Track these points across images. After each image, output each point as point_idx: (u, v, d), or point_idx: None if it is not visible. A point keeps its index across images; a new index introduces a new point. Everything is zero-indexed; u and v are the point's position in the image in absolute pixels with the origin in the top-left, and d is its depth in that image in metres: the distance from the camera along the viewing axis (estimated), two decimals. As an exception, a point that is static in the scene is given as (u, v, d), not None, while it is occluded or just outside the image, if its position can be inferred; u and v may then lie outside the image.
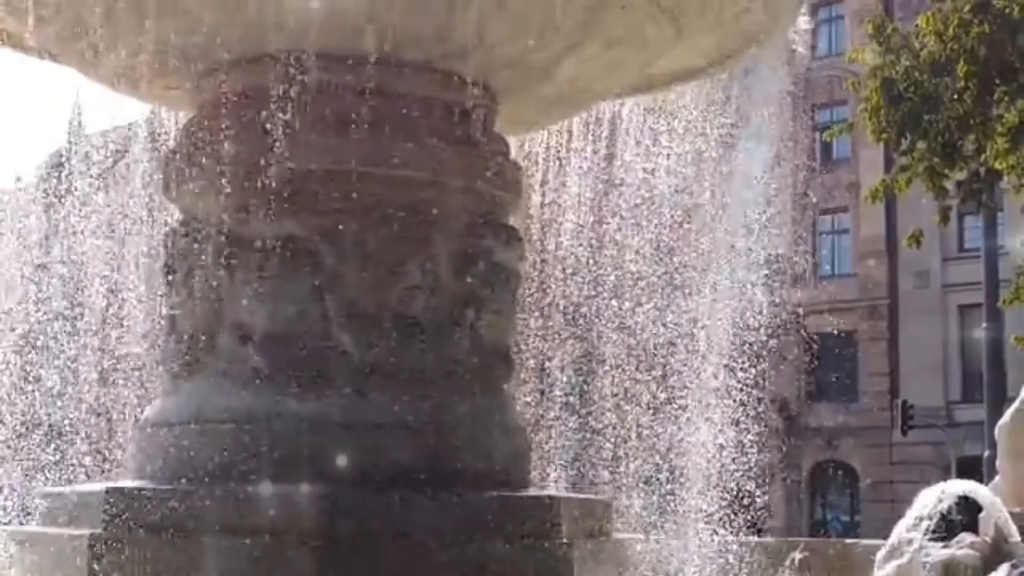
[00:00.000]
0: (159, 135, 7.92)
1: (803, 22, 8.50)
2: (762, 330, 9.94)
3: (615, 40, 6.34)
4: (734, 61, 7.40)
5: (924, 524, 5.93)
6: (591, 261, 10.49)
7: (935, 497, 6.02)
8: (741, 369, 9.78)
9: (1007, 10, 13.57)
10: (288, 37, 6.02)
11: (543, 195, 8.75)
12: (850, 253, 39.04)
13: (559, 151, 8.28)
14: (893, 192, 16.25)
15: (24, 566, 6.15)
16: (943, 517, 6.01)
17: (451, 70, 6.28)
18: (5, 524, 7.12)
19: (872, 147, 21.86)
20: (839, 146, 34.37)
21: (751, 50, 7.25)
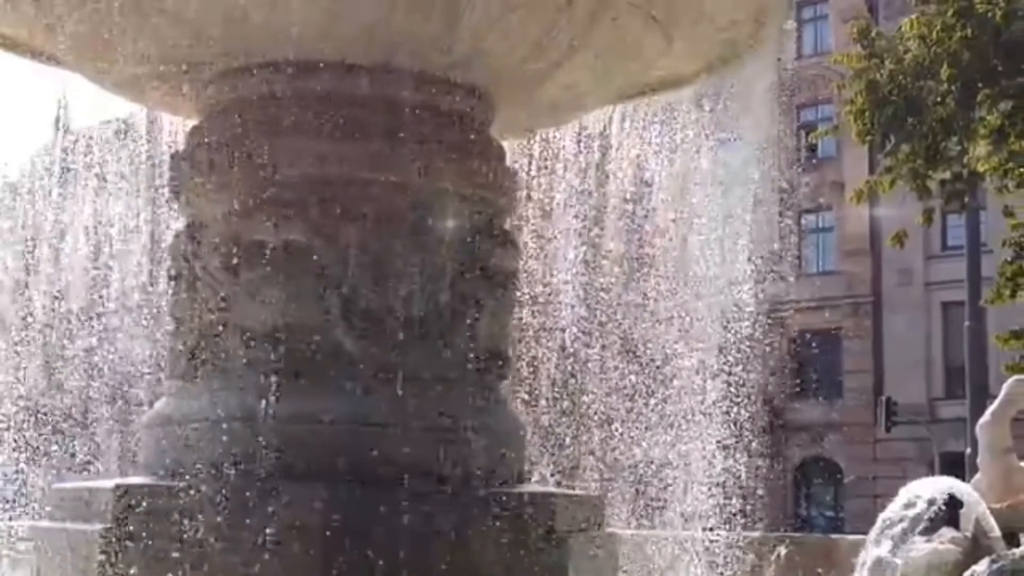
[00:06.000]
0: (159, 137, 8.05)
1: (789, 26, 8.67)
2: (747, 328, 10.09)
3: (609, 49, 6.51)
4: (723, 68, 7.57)
5: (908, 519, 6.06)
6: (583, 259, 10.64)
7: (926, 497, 6.15)
8: (727, 366, 9.94)
9: (989, 14, 13.75)
10: (291, 45, 6.16)
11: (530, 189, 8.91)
12: (834, 251, 39.25)
13: (554, 152, 8.44)
14: (877, 192, 16.44)
15: (36, 561, 6.29)
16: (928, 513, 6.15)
17: (450, 78, 6.45)
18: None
19: (857, 146, 22.04)
20: (824, 144, 34.56)
21: (740, 57, 7.41)
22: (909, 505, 6.04)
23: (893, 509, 6.11)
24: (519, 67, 6.50)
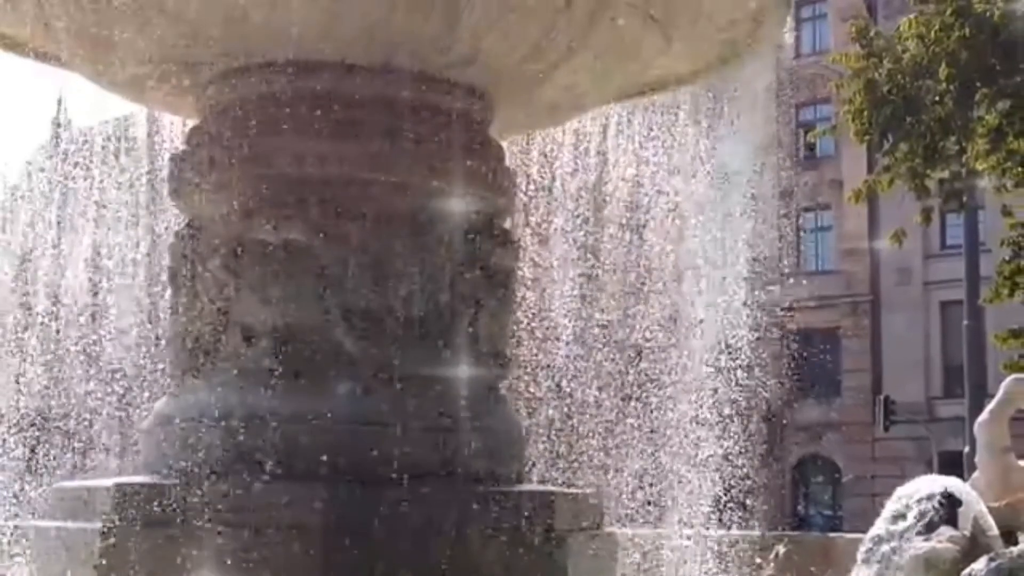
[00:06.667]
0: (159, 137, 8.07)
1: (787, 27, 8.68)
2: (746, 327, 10.10)
3: (608, 49, 6.52)
4: (722, 67, 7.58)
5: (897, 536, 6.04)
6: (583, 260, 10.66)
7: (922, 493, 6.13)
8: (726, 365, 9.96)
9: (987, 14, 13.75)
10: (291, 45, 6.18)
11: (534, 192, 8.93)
12: (833, 250, 39.27)
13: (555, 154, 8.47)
14: (875, 191, 16.43)
15: (35, 559, 6.31)
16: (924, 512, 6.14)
17: (450, 79, 6.46)
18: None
19: (855, 144, 22.08)
20: (822, 143, 34.53)
21: (739, 57, 7.43)
22: (898, 517, 6.00)
23: (881, 524, 6.07)
24: (518, 67, 6.51)
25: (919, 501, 6.01)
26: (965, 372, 21.87)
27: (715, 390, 9.74)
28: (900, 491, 6.23)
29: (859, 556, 6.10)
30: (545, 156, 8.32)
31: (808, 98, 35.83)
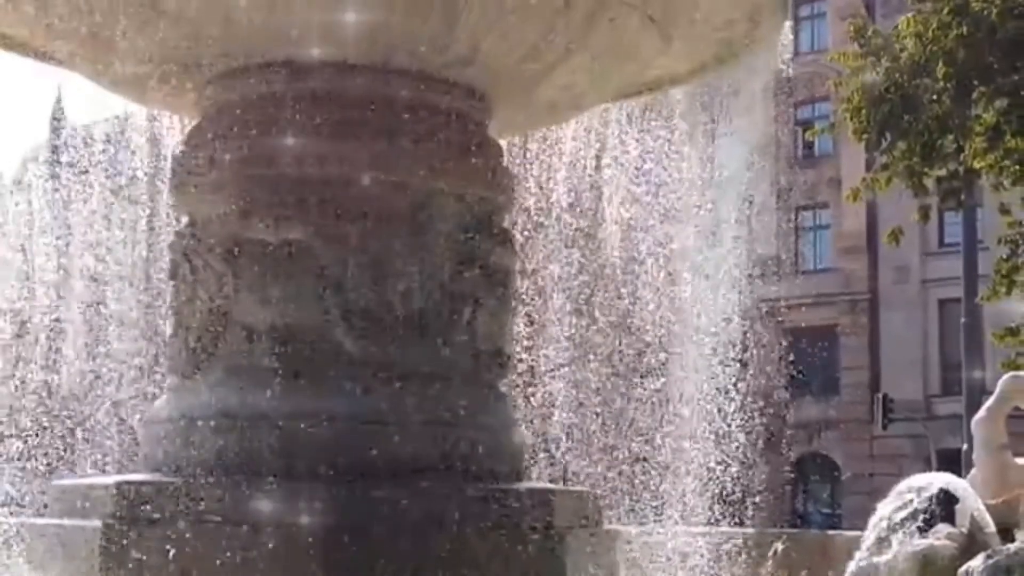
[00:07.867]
0: (159, 137, 8.10)
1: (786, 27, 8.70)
2: (745, 325, 10.12)
3: (607, 50, 6.54)
4: (720, 67, 7.61)
5: (903, 516, 6.03)
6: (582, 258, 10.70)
7: (904, 513, 6.10)
8: (724, 364, 9.99)
9: (985, 12, 13.76)
10: (290, 45, 6.21)
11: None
12: (831, 248, 39.30)
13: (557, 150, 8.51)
14: (873, 190, 16.44)
15: (36, 558, 6.32)
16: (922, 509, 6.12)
17: (448, 78, 6.49)
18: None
19: (854, 143, 21.99)
20: (821, 142, 34.52)
21: (736, 57, 7.45)
22: (883, 543, 5.97)
23: (863, 555, 6.03)
24: (517, 67, 6.54)
25: (903, 521, 5.98)
26: (963, 370, 21.88)
27: (714, 388, 9.76)
28: (882, 509, 6.17)
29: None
30: (541, 188, 8.36)
31: (806, 96, 35.85)
